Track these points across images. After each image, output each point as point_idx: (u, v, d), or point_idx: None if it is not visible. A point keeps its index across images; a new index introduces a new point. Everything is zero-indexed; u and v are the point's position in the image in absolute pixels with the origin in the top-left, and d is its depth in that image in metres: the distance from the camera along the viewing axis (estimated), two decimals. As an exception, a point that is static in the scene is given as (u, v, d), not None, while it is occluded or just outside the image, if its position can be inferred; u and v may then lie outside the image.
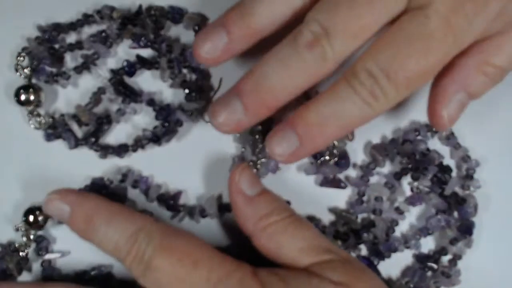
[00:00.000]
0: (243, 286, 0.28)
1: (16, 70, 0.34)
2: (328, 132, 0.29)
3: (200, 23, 0.35)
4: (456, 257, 0.34)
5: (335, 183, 0.34)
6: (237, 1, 0.30)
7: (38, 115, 0.34)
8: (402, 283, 0.34)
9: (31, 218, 0.34)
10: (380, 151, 0.34)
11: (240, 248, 0.34)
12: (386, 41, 0.27)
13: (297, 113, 0.29)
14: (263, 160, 0.34)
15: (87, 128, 0.34)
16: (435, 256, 0.34)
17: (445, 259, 0.34)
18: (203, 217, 0.34)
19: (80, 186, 0.34)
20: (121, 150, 0.34)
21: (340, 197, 0.35)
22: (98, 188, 0.34)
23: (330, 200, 0.35)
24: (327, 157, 0.34)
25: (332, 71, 0.28)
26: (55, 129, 0.34)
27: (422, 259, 0.34)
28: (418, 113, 0.35)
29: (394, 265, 0.34)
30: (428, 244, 0.34)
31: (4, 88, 0.35)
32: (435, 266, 0.34)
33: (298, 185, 0.35)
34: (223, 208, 0.34)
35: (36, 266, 0.34)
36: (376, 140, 0.35)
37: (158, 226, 0.30)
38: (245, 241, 0.31)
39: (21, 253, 0.34)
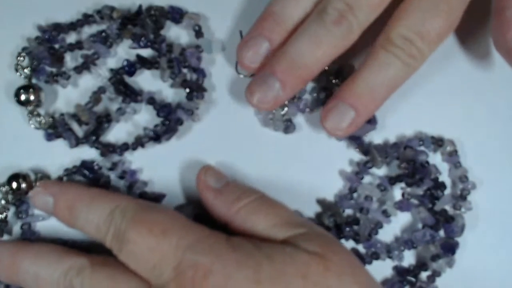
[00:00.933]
0: (214, 250, 0.28)
1: (16, 70, 0.35)
2: (378, 97, 0.31)
3: (200, 23, 0.35)
4: (435, 274, 0.34)
5: (361, 145, 0.35)
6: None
7: (38, 115, 0.34)
8: None
9: (14, 185, 0.34)
10: (380, 152, 0.34)
11: None
12: (411, 7, 0.31)
13: (344, 87, 0.32)
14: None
15: (87, 127, 0.34)
16: (415, 270, 0.34)
17: (424, 275, 0.34)
18: None
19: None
20: (121, 148, 0.34)
21: (330, 190, 0.35)
22: (86, 170, 0.34)
23: (319, 192, 0.35)
24: None
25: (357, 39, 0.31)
26: (55, 128, 0.34)
27: (401, 272, 0.34)
28: (425, 125, 0.35)
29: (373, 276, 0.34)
30: (409, 259, 0.34)
31: (4, 88, 0.35)
32: (413, 280, 0.34)
33: (287, 176, 0.35)
34: (199, 217, 0.34)
35: (16, 229, 0.34)
36: (378, 141, 0.35)
37: (133, 202, 0.31)
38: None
39: (0, 216, 0.34)
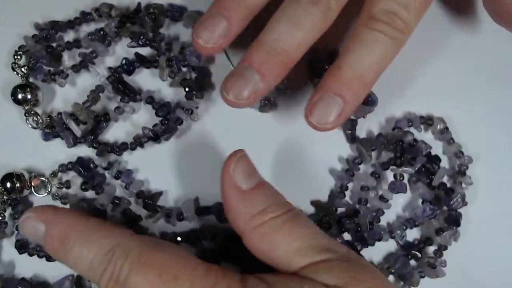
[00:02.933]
0: None
1: (13, 69, 0.34)
2: (368, 81, 0.29)
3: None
4: (442, 248, 0.34)
5: (353, 129, 0.34)
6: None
7: (36, 114, 0.34)
8: (384, 268, 0.34)
9: (8, 184, 0.33)
10: (366, 146, 0.34)
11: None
12: None
13: (329, 76, 0.29)
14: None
15: (85, 127, 0.34)
16: (420, 245, 0.34)
17: (431, 250, 0.34)
18: (179, 221, 0.34)
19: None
20: (120, 148, 0.34)
21: (323, 191, 0.35)
22: (81, 167, 0.34)
23: (313, 194, 0.35)
24: None
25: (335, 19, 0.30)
26: (53, 128, 0.34)
27: (406, 247, 0.34)
28: (413, 105, 0.35)
29: (377, 251, 0.34)
30: (413, 234, 0.34)
31: (1, 87, 0.34)
32: (418, 254, 0.34)
33: (282, 177, 0.35)
34: (201, 211, 0.34)
35: (12, 230, 0.34)
36: (369, 123, 0.35)
37: (137, 239, 0.27)
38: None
39: None
